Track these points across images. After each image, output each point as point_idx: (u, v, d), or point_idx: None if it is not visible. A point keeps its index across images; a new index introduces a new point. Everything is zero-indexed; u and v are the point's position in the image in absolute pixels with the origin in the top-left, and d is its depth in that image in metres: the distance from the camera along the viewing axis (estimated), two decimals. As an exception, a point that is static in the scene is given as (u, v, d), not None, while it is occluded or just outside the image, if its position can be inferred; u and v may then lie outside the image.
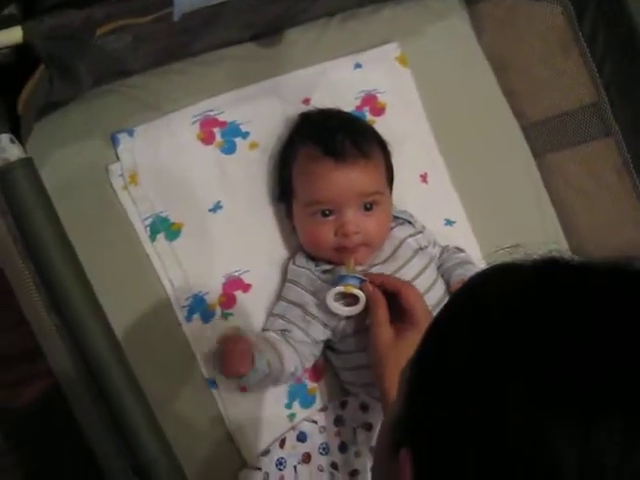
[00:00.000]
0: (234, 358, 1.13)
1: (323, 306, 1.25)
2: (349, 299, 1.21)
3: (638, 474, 0.44)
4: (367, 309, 1.20)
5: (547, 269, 0.53)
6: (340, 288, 1.19)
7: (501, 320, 0.51)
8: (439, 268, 1.36)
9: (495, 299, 0.53)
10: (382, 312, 1.17)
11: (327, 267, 1.28)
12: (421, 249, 1.32)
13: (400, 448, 0.54)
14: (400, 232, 1.33)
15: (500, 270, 0.55)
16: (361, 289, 1.19)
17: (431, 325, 0.57)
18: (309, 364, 1.29)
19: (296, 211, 1.29)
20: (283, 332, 1.26)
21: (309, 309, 1.26)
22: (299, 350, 1.25)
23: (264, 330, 1.28)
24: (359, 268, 1.26)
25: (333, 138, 1.24)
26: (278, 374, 1.21)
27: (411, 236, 1.33)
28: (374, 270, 1.27)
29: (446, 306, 0.57)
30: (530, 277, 0.53)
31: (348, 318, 1.25)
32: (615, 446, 0.44)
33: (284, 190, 1.32)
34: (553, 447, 0.45)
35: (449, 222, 1.48)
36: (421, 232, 1.36)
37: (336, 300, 1.21)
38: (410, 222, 1.37)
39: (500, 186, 1.51)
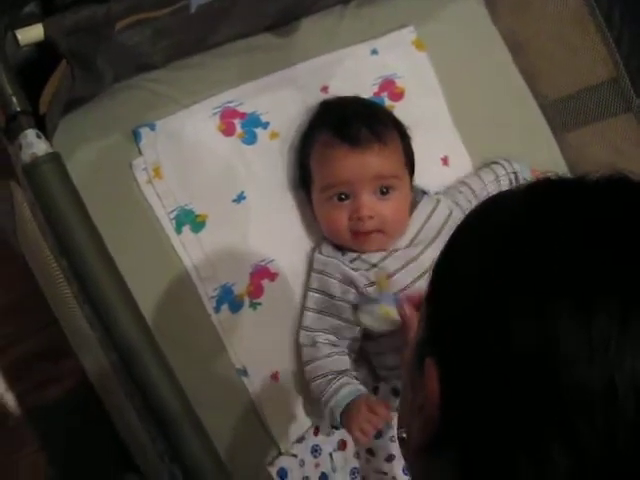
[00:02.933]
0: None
1: (353, 292, 1.27)
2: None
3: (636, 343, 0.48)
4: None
5: (541, 184, 0.59)
6: (375, 309, 1.20)
7: (503, 233, 0.56)
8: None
9: (497, 216, 0.58)
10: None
11: (354, 255, 1.28)
12: (446, 224, 1.32)
13: (424, 360, 0.58)
14: (422, 211, 1.32)
15: (499, 196, 0.61)
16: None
17: (444, 249, 0.62)
18: (354, 354, 1.31)
19: (314, 197, 1.30)
20: (330, 335, 1.28)
21: (341, 296, 1.27)
22: (349, 350, 1.28)
23: (310, 332, 1.29)
24: (380, 254, 1.27)
25: (348, 124, 1.25)
26: None
27: (433, 211, 1.32)
28: (392, 259, 1.27)
29: (455, 230, 0.62)
30: (526, 192, 0.59)
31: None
32: (614, 320, 0.48)
33: (304, 177, 1.33)
34: (556, 331, 0.49)
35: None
36: (439, 200, 1.35)
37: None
38: (424, 192, 1.37)
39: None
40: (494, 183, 1.42)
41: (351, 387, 1.22)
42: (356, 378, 1.26)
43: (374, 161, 1.24)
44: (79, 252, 0.90)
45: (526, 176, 1.43)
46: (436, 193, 1.40)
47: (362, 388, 1.23)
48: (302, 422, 1.30)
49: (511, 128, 1.52)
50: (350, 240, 1.28)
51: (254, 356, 1.28)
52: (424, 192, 1.37)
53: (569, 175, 0.60)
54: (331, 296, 1.28)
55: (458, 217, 1.34)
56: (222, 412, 1.25)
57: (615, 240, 0.51)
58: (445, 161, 1.48)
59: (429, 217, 1.32)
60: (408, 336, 1.10)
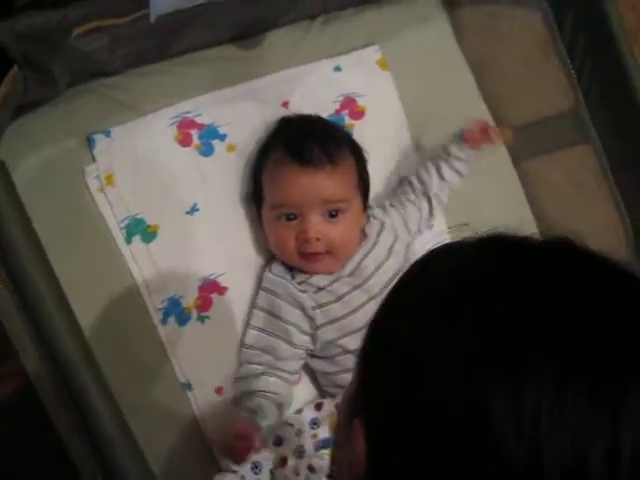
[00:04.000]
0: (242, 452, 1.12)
1: (300, 314, 1.27)
2: None
3: (568, 423, 0.46)
4: None
5: (486, 244, 0.57)
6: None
7: (440, 294, 0.54)
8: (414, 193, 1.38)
9: (437, 275, 0.56)
10: None
11: (302, 278, 1.28)
12: (392, 248, 1.32)
13: (354, 420, 0.56)
14: (369, 236, 1.32)
15: (444, 248, 0.59)
16: None
17: (379, 308, 0.59)
18: (297, 380, 1.30)
19: (264, 215, 1.29)
20: (269, 355, 1.26)
21: (286, 317, 1.27)
22: (287, 377, 1.26)
23: (249, 350, 1.28)
24: (328, 278, 1.28)
25: (302, 143, 1.25)
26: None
27: (379, 236, 1.32)
28: (340, 283, 1.28)
29: (394, 286, 0.60)
30: (470, 251, 0.57)
31: (325, 326, 1.26)
32: (545, 398, 0.46)
33: (256, 193, 1.32)
34: (485, 401, 0.47)
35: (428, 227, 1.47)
36: (383, 224, 1.34)
37: None
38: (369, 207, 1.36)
39: (479, 193, 1.50)
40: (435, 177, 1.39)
41: (247, 404, 1.21)
42: (278, 402, 1.24)
43: (324, 184, 1.23)
44: (19, 262, 0.89)
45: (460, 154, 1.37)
46: (380, 207, 1.38)
47: (259, 410, 1.20)
48: (244, 438, 1.29)
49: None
50: (298, 261, 1.27)
51: (199, 370, 1.27)
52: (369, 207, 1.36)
53: (514, 230, 0.58)
54: (277, 316, 1.27)
55: (405, 238, 1.35)
56: (164, 426, 1.24)
57: (552, 311, 0.50)
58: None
59: (375, 243, 1.32)
60: None
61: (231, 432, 1.12)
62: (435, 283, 0.56)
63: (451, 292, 0.54)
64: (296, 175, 1.23)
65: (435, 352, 0.51)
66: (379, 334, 0.58)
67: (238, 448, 1.11)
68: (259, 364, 1.26)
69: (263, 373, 1.25)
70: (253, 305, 1.30)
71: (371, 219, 1.35)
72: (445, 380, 0.50)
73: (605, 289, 0.52)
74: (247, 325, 1.30)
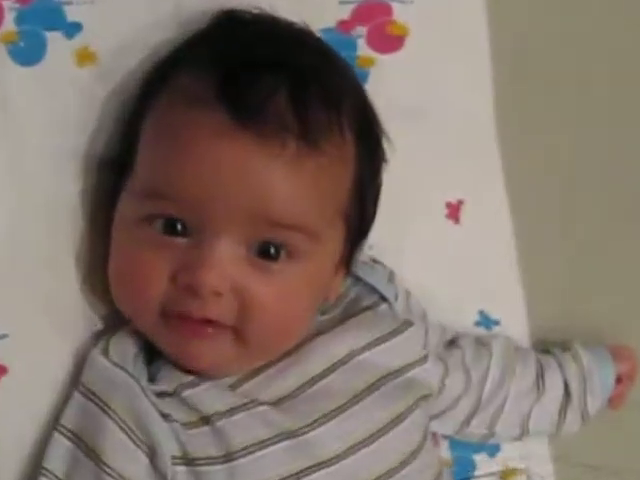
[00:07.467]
0: None
1: (145, 460, 0.60)
2: None
3: None
4: None
5: None
6: None
7: None
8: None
9: None
10: None
11: (167, 387, 0.62)
12: (391, 375, 0.67)
13: None
14: (354, 332, 0.68)
15: None
16: None
17: None
18: None
19: (122, 204, 0.64)
20: None
21: (113, 463, 0.60)
22: None
23: None
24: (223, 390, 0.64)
25: (250, 72, 0.60)
26: None
27: (368, 348, 0.67)
28: (248, 415, 0.62)
29: None
30: None
31: None
32: None
33: (123, 161, 0.66)
34: None
35: (487, 319, 0.80)
36: (409, 325, 0.71)
37: None
38: (383, 297, 0.72)
39: (610, 258, 0.82)
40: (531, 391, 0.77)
41: None
42: None
43: (275, 179, 0.59)
44: None
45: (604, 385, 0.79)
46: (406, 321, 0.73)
47: None
48: None
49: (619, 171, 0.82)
50: (156, 328, 0.62)
51: None
52: (383, 297, 0.72)
53: None
54: (95, 456, 0.60)
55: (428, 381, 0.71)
56: None
57: None
58: (455, 211, 0.78)
59: (364, 349, 0.67)
60: None
61: None
62: None
63: None
64: (219, 136, 0.58)
65: None
66: None
67: None
68: None
69: None
70: (56, 422, 0.63)
71: (384, 307, 0.72)
72: None
73: None
74: (40, 467, 0.62)
